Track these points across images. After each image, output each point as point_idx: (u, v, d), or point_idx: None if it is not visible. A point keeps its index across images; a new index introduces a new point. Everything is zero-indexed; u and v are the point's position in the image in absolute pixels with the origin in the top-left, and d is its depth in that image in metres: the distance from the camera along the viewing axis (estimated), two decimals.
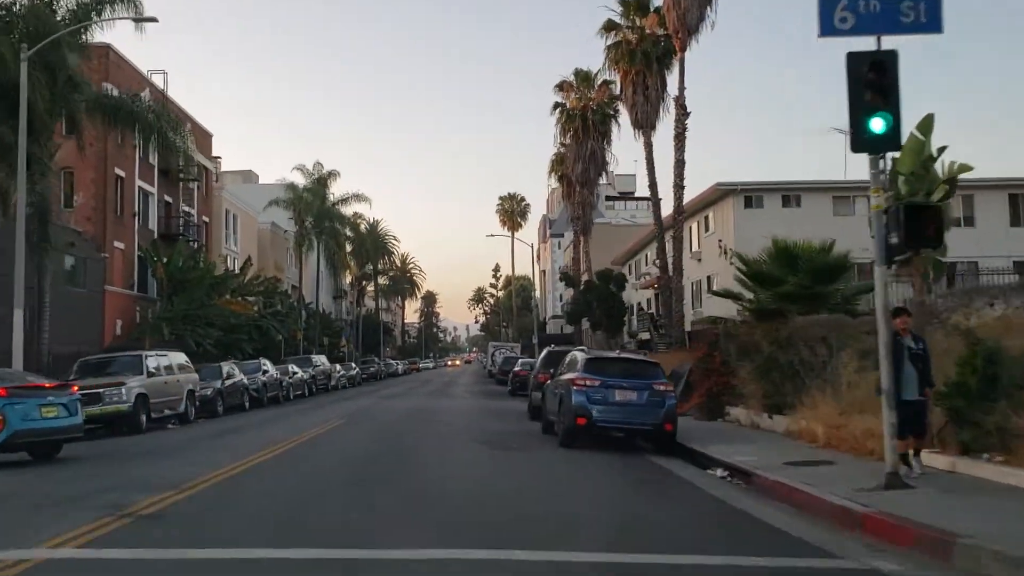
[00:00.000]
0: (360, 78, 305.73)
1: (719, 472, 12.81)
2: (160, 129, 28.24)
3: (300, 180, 58.50)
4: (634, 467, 13.18)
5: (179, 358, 23.60)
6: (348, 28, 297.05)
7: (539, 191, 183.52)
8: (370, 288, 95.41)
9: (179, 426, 21.92)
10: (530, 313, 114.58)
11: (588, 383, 14.68)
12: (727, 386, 18.77)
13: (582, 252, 54.60)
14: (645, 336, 51.47)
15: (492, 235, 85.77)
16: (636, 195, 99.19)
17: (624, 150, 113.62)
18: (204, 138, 48.39)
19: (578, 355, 15.68)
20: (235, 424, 21.61)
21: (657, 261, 51.04)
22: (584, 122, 49.98)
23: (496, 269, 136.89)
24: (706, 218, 42.05)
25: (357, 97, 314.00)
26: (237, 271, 45.85)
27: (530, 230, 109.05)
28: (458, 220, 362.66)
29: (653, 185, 38.32)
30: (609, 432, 15.09)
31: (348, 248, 73.94)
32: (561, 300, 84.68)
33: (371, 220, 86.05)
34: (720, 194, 38.86)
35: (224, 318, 40.28)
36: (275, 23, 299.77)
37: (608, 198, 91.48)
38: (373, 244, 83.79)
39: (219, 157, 67.26)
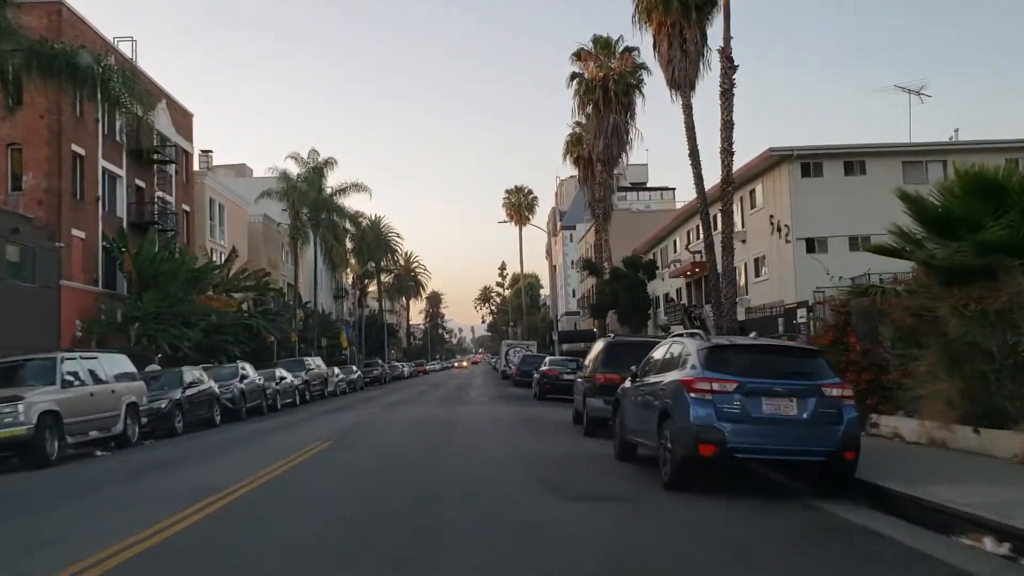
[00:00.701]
0: (359, 77, 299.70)
1: (987, 544, 6.97)
2: (106, 81, 22.37)
3: (295, 170, 52.62)
4: (829, 532, 7.29)
5: (117, 363, 17.69)
6: (346, 27, 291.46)
7: (546, 187, 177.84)
8: (372, 288, 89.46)
9: (113, 452, 16.06)
10: (539, 311, 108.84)
11: (716, 387, 8.74)
12: (875, 385, 12.87)
13: (603, 239, 48.55)
14: (678, 330, 45.61)
15: (504, 221, 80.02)
16: (649, 185, 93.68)
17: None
18: (183, 118, 42.49)
19: (689, 344, 9.74)
20: (183, 450, 15.67)
21: (690, 246, 45.21)
22: (605, 93, 44.03)
23: (502, 267, 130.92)
24: (752, 192, 36.14)
25: (357, 98, 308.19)
26: (221, 264, 39.96)
27: (538, 225, 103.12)
28: (460, 220, 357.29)
29: (694, 152, 32.31)
30: (748, 463, 9.20)
31: (349, 245, 68.15)
32: (575, 295, 78.74)
33: (373, 216, 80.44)
34: (772, 162, 32.95)
35: (205, 317, 34.54)
36: (273, 22, 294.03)
37: (620, 188, 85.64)
38: (375, 240, 77.84)
39: (210, 151, 61.72)
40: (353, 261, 73.18)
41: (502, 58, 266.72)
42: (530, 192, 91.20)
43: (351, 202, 60.11)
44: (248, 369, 26.63)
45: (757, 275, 35.94)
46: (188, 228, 42.07)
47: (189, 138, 43.10)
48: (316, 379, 34.89)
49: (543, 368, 28.72)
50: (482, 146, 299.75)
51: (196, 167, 44.91)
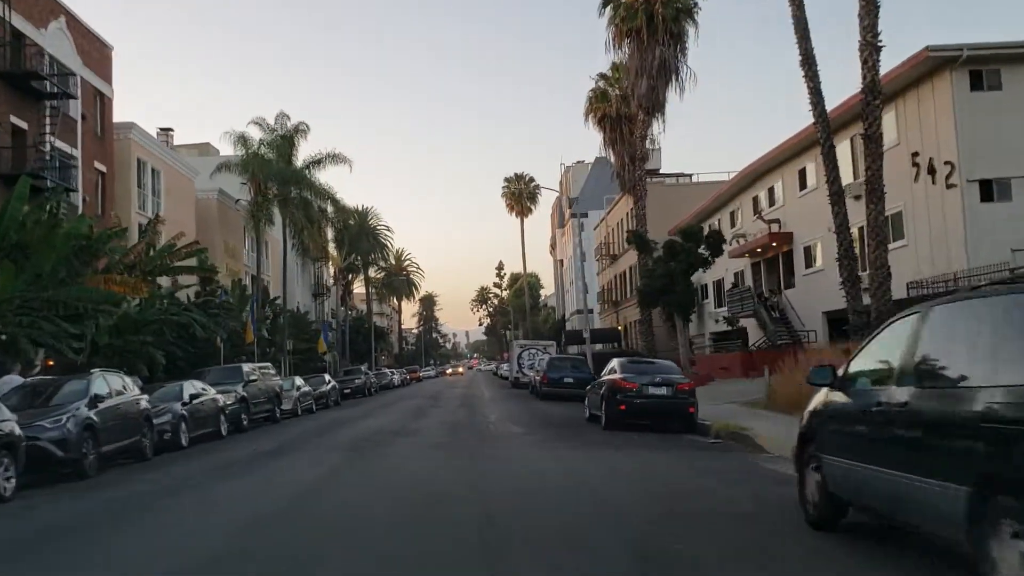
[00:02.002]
0: (353, 77, 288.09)
1: None
2: None
3: (258, 136, 41.30)
4: None
5: None
6: (341, 27, 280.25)
7: (549, 184, 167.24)
8: (360, 290, 77.71)
9: None
10: (540, 311, 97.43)
11: None
12: None
13: (642, 209, 37.31)
14: (746, 324, 34.42)
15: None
16: (662, 171, 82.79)
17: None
18: (97, 51, 31.07)
19: None
20: None
21: (764, 213, 34.05)
22: (650, 20, 33.08)
23: (500, 267, 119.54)
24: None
25: (350, 99, 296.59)
26: (136, 232, 28.55)
27: (540, 221, 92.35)
28: (455, 219, 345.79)
29: (808, 58, 21.49)
30: None
31: (329, 234, 56.73)
32: (587, 291, 67.25)
33: (360, 207, 69.19)
34: (928, 67, 21.86)
35: (111, 308, 23.29)
36: (266, 22, 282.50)
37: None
38: (360, 230, 66.43)
39: (171, 129, 50.39)
40: (335, 253, 61.69)
41: (500, 54, 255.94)
42: (531, 180, 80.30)
43: (326, 172, 48.64)
44: (124, 384, 15.27)
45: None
46: (103, 194, 30.68)
47: (107, 78, 31.68)
48: (260, 395, 23.30)
49: (612, 377, 17.04)
50: (479, 147, 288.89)
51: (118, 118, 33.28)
